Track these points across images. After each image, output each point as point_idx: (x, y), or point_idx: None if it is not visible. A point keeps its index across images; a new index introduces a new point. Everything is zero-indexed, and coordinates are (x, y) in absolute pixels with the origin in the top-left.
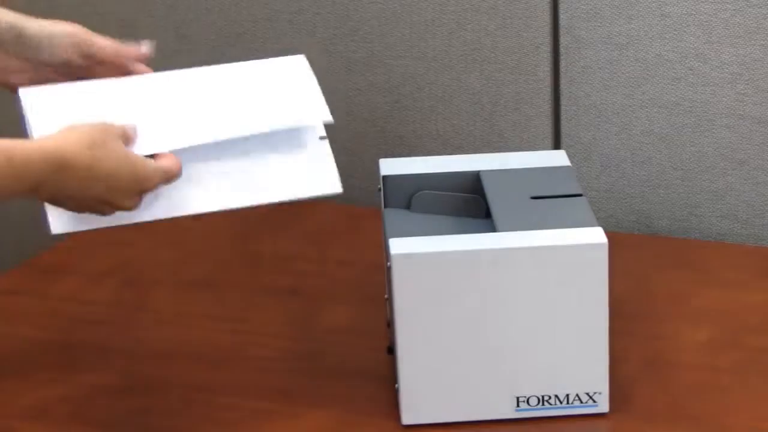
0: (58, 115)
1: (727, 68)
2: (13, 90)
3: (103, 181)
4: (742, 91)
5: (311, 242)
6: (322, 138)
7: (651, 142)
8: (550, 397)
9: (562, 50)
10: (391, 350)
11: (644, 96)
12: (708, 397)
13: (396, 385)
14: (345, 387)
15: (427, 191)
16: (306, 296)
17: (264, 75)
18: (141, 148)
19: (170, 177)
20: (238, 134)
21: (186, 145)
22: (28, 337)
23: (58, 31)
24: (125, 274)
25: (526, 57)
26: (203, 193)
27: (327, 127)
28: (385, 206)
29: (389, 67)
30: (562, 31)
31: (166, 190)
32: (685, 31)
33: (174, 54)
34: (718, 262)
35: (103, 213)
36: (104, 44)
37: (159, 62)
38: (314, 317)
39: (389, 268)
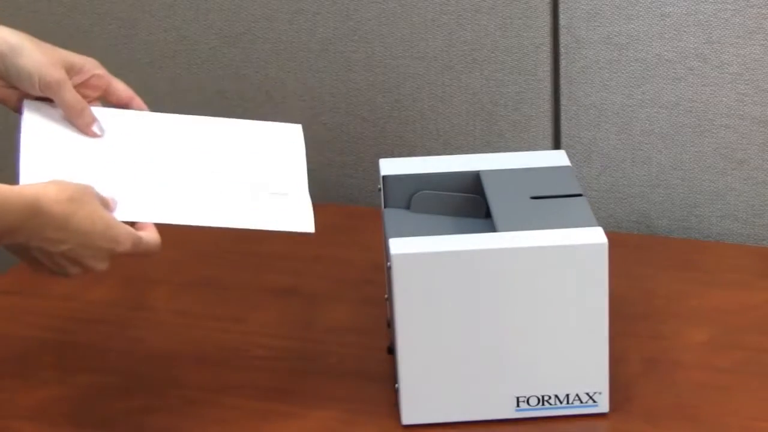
0: (51, 135)
1: (727, 68)
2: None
3: (75, 237)
4: (742, 91)
5: (311, 242)
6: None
7: (651, 142)
8: (550, 397)
9: (562, 50)
10: (391, 350)
11: (644, 96)
12: (708, 397)
13: (396, 385)
14: (345, 387)
15: (427, 191)
16: (306, 296)
17: (258, 139)
18: (123, 214)
19: (143, 247)
20: (219, 223)
21: (164, 221)
22: (28, 337)
23: (30, 70)
24: (125, 274)
25: (526, 57)
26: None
27: (327, 126)
28: (385, 206)
29: (389, 67)
30: (562, 31)
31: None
32: (685, 31)
33: (174, 54)
34: (718, 262)
35: (68, 274)
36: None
37: (159, 62)
38: (314, 317)
39: (389, 268)
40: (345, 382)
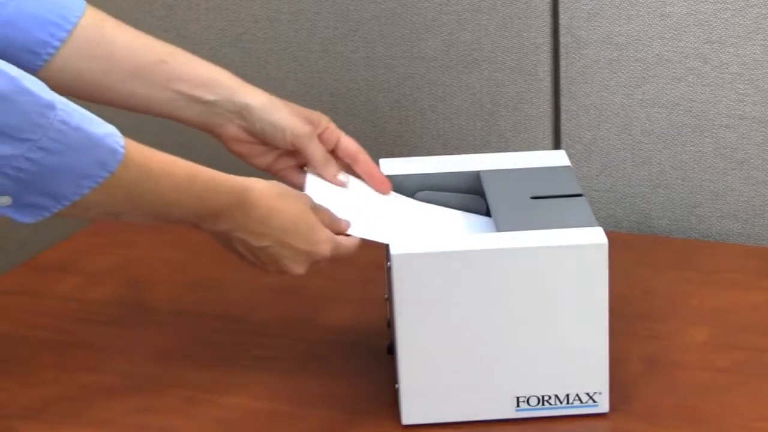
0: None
1: (727, 68)
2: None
3: (276, 234)
4: (742, 91)
5: None
6: None
7: (651, 142)
8: (550, 397)
9: (562, 50)
10: (391, 350)
11: (644, 96)
12: (708, 397)
13: (396, 385)
14: (345, 387)
15: (427, 191)
16: (306, 296)
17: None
18: (355, 230)
19: (340, 250)
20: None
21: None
22: (28, 337)
23: (282, 122)
24: (126, 274)
25: (526, 57)
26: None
27: None
28: None
29: (389, 67)
30: (562, 31)
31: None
32: (685, 31)
33: None
34: (718, 262)
35: (266, 269)
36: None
37: None
38: (315, 317)
39: (389, 268)
40: (345, 382)
